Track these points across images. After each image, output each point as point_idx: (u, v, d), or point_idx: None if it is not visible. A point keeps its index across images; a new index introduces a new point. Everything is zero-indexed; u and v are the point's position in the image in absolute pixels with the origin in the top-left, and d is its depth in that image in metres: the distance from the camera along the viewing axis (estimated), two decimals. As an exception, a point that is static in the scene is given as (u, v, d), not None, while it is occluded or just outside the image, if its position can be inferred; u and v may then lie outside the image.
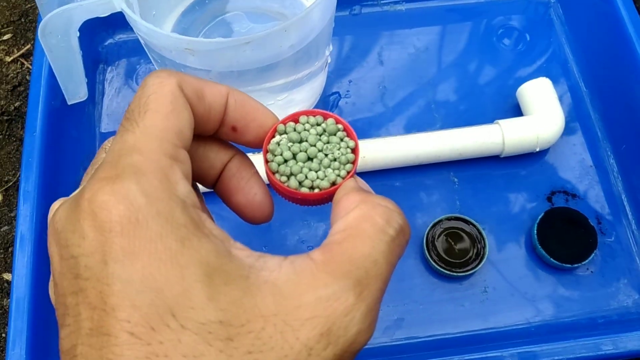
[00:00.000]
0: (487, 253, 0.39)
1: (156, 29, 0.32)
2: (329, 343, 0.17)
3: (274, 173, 0.23)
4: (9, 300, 0.35)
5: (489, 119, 0.43)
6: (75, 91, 0.41)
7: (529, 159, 0.43)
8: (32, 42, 0.51)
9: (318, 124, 0.24)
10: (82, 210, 0.17)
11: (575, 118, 0.46)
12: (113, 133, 0.46)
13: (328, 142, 0.24)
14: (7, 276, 0.43)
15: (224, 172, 0.24)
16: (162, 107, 0.19)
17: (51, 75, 0.41)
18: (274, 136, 0.24)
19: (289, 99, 0.41)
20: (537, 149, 0.42)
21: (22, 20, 0.53)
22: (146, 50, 0.38)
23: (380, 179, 0.42)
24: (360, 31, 0.49)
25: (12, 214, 0.46)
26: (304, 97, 0.43)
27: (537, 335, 0.38)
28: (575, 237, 0.40)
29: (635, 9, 0.43)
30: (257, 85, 0.38)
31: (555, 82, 0.44)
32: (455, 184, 0.43)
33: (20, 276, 0.36)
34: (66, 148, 0.42)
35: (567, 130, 0.44)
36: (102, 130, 0.46)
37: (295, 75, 0.39)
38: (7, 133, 0.48)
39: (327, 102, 0.46)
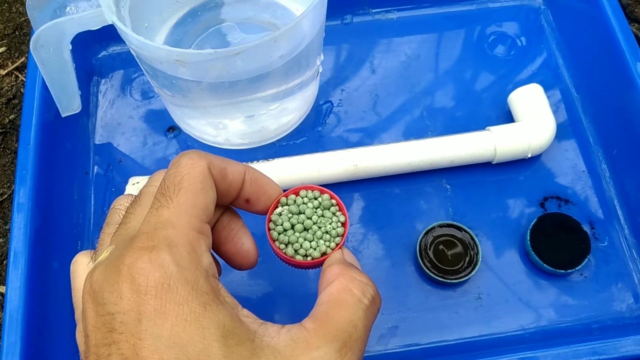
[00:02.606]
0: (480, 259, 0.39)
1: (147, 41, 0.32)
2: None
3: (274, 240, 0.27)
4: (2, 313, 0.35)
5: (481, 126, 0.43)
6: (69, 104, 0.42)
7: (521, 165, 0.44)
8: (26, 55, 0.52)
9: (315, 198, 0.28)
10: (121, 274, 0.20)
11: (567, 124, 0.46)
12: (107, 145, 0.46)
13: (322, 216, 0.27)
14: (1, 289, 0.43)
15: (216, 225, 0.27)
16: (193, 187, 0.23)
17: (45, 87, 0.41)
18: (277, 207, 0.27)
19: (281, 108, 0.42)
20: (529, 155, 0.42)
21: (17, 33, 0.53)
22: (138, 62, 0.38)
23: (374, 186, 0.43)
24: (351, 40, 0.50)
25: (7, 227, 0.46)
26: (296, 106, 0.44)
27: (531, 341, 0.38)
28: (568, 243, 0.40)
29: (624, 15, 0.44)
30: (249, 95, 0.38)
31: (546, 88, 0.45)
32: (448, 191, 0.43)
33: (14, 289, 0.36)
34: (60, 160, 0.43)
35: (559, 136, 0.45)
36: (97, 142, 0.46)
37: (287, 84, 0.39)
38: (2, 146, 0.48)
39: (319, 111, 0.47)
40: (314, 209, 0.28)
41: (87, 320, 0.21)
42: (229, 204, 0.27)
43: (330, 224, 0.27)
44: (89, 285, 0.22)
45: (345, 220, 0.28)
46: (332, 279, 0.24)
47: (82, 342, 0.22)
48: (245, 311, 0.23)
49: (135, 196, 0.25)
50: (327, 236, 0.27)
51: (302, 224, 0.27)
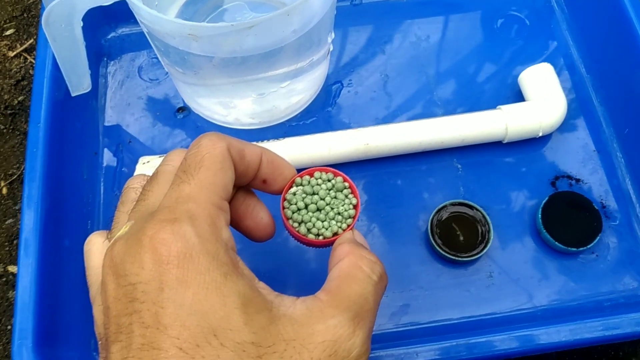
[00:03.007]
0: (492, 237, 0.39)
1: (159, 14, 0.32)
2: None
3: (288, 219, 0.28)
4: (14, 292, 0.35)
5: (491, 106, 0.43)
6: (79, 82, 0.42)
7: (532, 145, 0.43)
8: (34, 37, 0.51)
9: (329, 180, 0.28)
10: (143, 246, 0.21)
11: (577, 103, 0.46)
12: (117, 126, 0.46)
13: (335, 197, 0.28)
14: (12, 268, 0.43)
15: (232, 201, 0.27)
16: (213, 165, 0.23)
17: (55, 67, 0.41)
18: (291, 187, 0.28)
19: (291, 87, 0.42)
20: (540, 134, 0.42)
21: (25, 15, 0.53)
22: (149, 39, 0.38)
23: (385, 166, 0.42)
24: (361, 21, 0.50)
25: (17, 207, 0.46)
26: (306, 86, 0.43)
27: (543, 319, 0.38)
28: (579, 221, 0.40)
29: (636, -6, 0.43)
30: (260, 73, 0.38)
31: (557, 68, 0.45)
32: (458, 170, 0.43)
33: (25, 267, 0.36)
34: (70, 140, 0.42)
35: (570, 116, 0.44)
36: (106, 123, 0.46)
37: (298, 62, 0.39)
38: (11, 127, 0.48)
39: (329, 92, 0.46)
40: (327, 191, 0.28)
41: (107, 292, 0.21)
42: (247, 185, 0.28)
43: (342, 205, 0.28)
44: (109, 259, 0.22)
45: (357, 203, 0.28)
46: (342, 257, 0.25)
47: (100, 317, 0.23)
48: (262, 283, 0.23)
49: (152, 175, 0.26)
50: (339, 217, 0.28)
51: (316, 204, 0.28)
